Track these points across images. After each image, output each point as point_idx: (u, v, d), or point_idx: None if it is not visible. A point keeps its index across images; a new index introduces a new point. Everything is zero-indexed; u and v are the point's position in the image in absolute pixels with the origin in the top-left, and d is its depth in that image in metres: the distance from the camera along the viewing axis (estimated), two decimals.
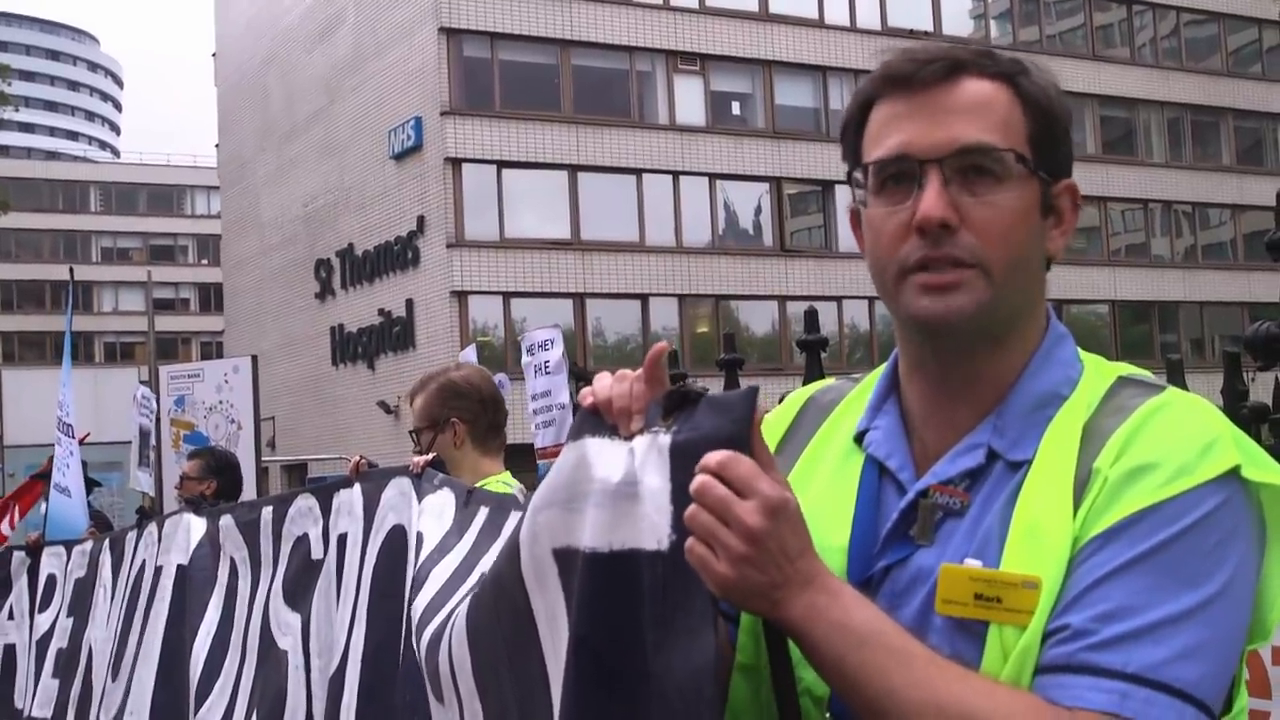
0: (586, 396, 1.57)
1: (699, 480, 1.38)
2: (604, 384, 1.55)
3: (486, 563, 2.35)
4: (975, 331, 1.52)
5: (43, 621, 5.18)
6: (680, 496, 1.43)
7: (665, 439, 1.46)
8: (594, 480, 1.51)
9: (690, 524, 1.38)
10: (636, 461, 1.48)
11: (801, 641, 1.41)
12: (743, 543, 1.35)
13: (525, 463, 4.37)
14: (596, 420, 1.55)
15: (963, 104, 1.52)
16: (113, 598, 4.55)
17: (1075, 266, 35.22)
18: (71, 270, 9.77)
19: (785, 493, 1.40)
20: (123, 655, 4.23)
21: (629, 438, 1.51)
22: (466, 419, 4.11)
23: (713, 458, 1.38)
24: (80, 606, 4.88)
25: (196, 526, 4.09)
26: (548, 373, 8.35)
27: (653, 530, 1.45)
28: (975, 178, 1.50)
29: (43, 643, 5.11)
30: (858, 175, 1.58)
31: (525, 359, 8.58)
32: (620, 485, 1.48)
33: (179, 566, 4.06)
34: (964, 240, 1.49)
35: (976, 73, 1.54)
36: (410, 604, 2.44)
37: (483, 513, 2.61)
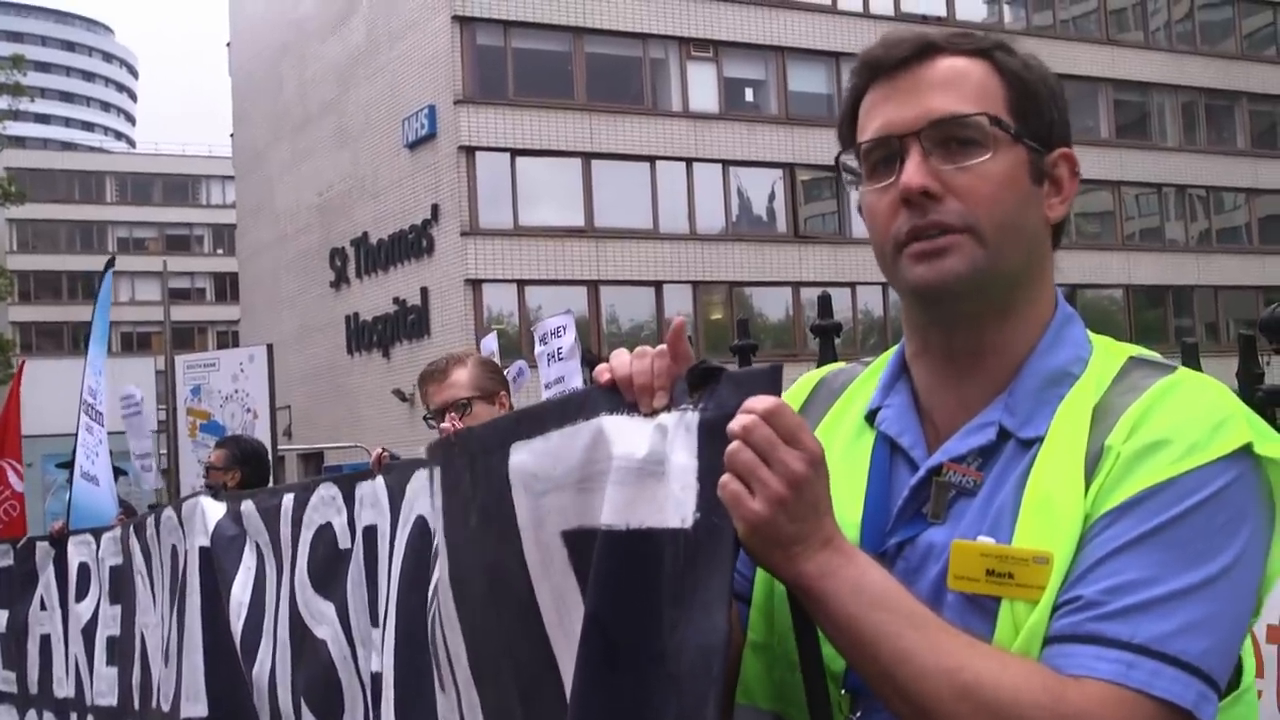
0: (604, 373, 1.57)
1: (746, 419, 1.38)
2: (623, 360, 1.56)
3: (435, 522, 2.00)
4: (973, 294, 1.54)
5: (83, 610, 5.12)
6: (707, 475, 1.42)
7: (694, 416, 1.45)
8: (613, 458, 1.50)
9: (730, 460, 1.39)
10: (667, 439, 1.46)
11: (813, 601, 1.42)
12: (784, 485, 1.37)
13: None
14: (613, 397, 1.54)
15: (936, 80, 1.56)
16: (151, 583, 4.56)
17: (1089, 251, 35.11)
18: (113, 259, 9.75)
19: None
20: (170, 641, 4.25)
21: (650, 414, 1.49)
22: (509, 394, 4.32)
23: (760, 402, 1.39)
24: (124, 593, 4.84)
25: (213, 509, 4.10)
26: (560, 359, 8.29)
27: (677, 507, 1.43)
28: (957, 148, 1.53)
29: (89, 631, 5.06)
30: (850, 162, 1.61)
31: (539, 348, 8.50)
32: (645, 462, 1.47)
33: (201, 549, 4.07)
34: (950, 206, 1.52)
35: (952, 52, 1.58)
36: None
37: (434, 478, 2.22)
